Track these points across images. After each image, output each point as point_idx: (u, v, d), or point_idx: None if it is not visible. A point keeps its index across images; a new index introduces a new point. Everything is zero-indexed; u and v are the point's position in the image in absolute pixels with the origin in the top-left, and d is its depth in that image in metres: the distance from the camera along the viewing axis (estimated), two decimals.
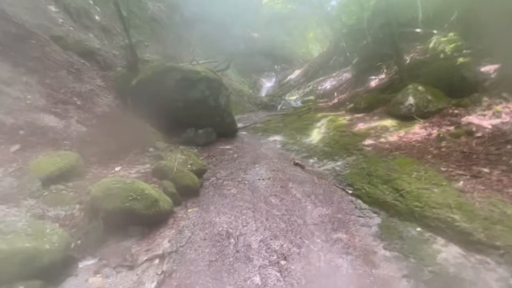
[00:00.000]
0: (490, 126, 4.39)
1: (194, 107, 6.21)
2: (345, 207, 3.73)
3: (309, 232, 3.11)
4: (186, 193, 3.71)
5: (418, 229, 3.07)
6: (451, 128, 4.71)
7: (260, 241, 2.88)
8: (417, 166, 3.98)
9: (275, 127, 7.83)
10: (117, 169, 3.89)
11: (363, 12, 10.64)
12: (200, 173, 4.28)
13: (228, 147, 6.11)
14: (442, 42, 7.25)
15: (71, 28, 6.62)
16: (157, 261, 2.54)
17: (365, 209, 3.65)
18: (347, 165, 4.77)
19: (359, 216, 3.51)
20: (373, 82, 9.21)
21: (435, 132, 4.79)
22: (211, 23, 15.10)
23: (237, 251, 2.71)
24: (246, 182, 4.28)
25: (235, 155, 5.52)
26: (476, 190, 3.28)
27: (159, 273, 2.40)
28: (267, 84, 18.46)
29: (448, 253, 2.69)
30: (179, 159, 4.26)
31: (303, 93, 14.04)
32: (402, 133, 5.21)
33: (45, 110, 4.17)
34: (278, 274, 2.45)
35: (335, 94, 10.67)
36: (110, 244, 2.71)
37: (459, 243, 2.77)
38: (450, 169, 3.79)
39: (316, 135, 6.43)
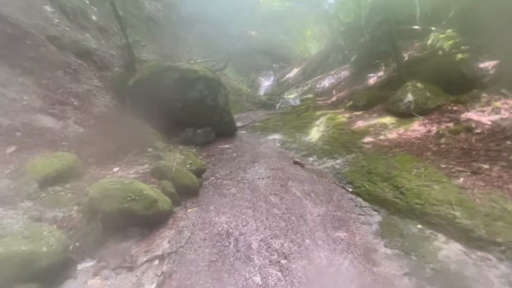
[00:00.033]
0: (489, 122, 4.39)
1: (192, 107, 6.18)
2: (345, 205, 3.72)
3: (309, 231, 3.09)
4: (186, 193, 3.69)
5: (419, 226, 3.07)
6: (451, 124, 4.70)
7: (261, 240, 2.86)
8: (417, 163, 3.97)
9: (274, 126, 7.81)
10: (115, 169, 3.86)
11: (361, 10, 10.64)
12: (199, 172, 4.26)
13: (227, 146, 6.08)
14: (440, 39, 7.23)
15: (67, 28, 6.57)
16: (156, 262, 2.52)
17: (365, 207, 3.65)
18: (346, 163, 4.76)
19: (359, 214, 3.50)
20: (372, 79, 9.19)
21: (434, 129, 4.79)
22: (208, 22, 15.08)
23: (238, 251, 2.69)
24: (245, 181, 4.26)
25: (234, 154, 5.49)
26: (476, 187, 3.28)
27: (159, 274, 2.38)
28: (266, 83, 18.40)
29: (449, 250, 2.69)
30: (178, 159, 4.24)
31: (302, 91, 14.01)
32: (401, 130, 5.20)
33: (42, 111, 4.13)
34: (279, 274, 2.43)
35: (334, 92, 10.66)
36: (109, 246, 2.69)
37: (460, 240, 2.76)
38: (450, 166, 3.78)
39: (315, 133, 6.42)
